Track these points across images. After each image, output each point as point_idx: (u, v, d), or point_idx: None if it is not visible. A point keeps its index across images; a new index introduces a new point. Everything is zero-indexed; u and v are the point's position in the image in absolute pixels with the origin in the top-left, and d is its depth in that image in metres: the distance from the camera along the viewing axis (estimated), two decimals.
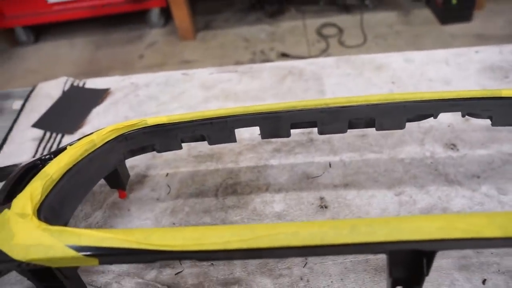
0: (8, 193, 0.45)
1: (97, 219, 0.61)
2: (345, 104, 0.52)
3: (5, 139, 0.78)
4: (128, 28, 2.64)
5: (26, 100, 0.87)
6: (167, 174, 0.65)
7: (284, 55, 2.16)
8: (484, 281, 0.48)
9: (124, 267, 0.54)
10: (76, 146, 0.50)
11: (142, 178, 0.66)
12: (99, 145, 0.51)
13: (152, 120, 0.54)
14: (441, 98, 0.52)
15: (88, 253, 0.36)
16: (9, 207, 0.42)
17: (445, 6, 2.31)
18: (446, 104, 0.52)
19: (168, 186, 0.64)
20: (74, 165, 0.48)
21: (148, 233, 0.36)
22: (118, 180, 0.58)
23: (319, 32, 2.34)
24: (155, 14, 2.54)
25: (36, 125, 0.80)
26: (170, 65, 2.23)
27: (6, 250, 0.38)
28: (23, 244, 0.38)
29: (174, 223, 0.58)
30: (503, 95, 0.52)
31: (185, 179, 0.64)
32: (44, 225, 0.39)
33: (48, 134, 0.78)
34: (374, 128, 0.54)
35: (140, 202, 0.62)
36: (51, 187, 0.44)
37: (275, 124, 0.53)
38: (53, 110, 0.83)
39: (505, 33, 2.25)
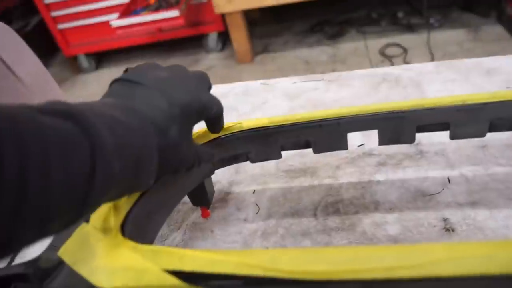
0: None
1: (176, 241, 0.52)
2: (487, 101, 0.42)
3: None
4: (185, 53, 2.64)
5: None
6: (254, 191, 0.57)
7: None
8: None
9: None
10: None
11: (225, 196, 0.57)
12: None
13: (248, 123, 0.45)
14: None
15: (195, 280, 0.27)
16: (87, 220, 0.34)
17: None
18: None
19: (257, 204, 0.55)
20: None
21: (273, 255, 0.27)
22: (203, 196, 0.50)
23: (382, 53, 2.24)
24: (212, 38, 2.52)
25: None
26: None
27: (85, 274, 0.30)
28: (108, 267, 0.30)
29: (267, 248, 0.49)
30: None
31: (276, 197, 0.55)
32: (132, 244, 0.31)
33: None
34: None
35: (224, 223, 0.54)
36: (135, 199, 0.37)
37: (397, 126, 0.44)
38: None
39: None
